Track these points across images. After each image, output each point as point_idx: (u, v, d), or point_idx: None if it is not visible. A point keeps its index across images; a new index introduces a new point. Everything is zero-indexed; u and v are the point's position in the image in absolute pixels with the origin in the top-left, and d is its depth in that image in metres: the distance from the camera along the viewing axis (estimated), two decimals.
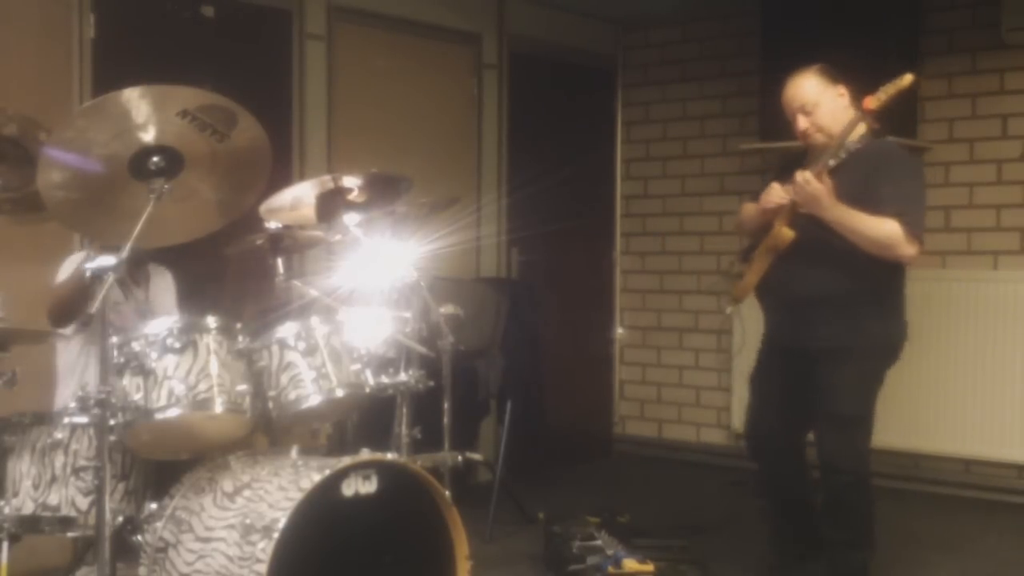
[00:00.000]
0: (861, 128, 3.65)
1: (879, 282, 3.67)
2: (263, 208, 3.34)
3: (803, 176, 3.55)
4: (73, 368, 3.49)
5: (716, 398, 6.35)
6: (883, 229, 3.53)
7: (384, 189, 3.40)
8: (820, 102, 3.66)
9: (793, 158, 3.93)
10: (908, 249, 3.56)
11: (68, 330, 3.34)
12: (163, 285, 3.71)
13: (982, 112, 5.48)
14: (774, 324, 3.89)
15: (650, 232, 6.60)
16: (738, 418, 6.09)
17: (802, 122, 3.69)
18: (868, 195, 3.55)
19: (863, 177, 3.59)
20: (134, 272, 3.52)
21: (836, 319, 3.64)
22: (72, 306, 3.10)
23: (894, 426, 5.55)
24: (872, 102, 3.54)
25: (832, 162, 3.59)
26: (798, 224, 3.63)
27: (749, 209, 3.88)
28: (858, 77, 3.69)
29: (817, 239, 3.58)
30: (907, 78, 3.53)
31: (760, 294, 3.83)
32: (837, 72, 3.71)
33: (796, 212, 3.63)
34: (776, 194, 3.69)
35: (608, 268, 6.70)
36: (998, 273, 5.43)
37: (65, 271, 3.44)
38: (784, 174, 3.74)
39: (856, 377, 3.68)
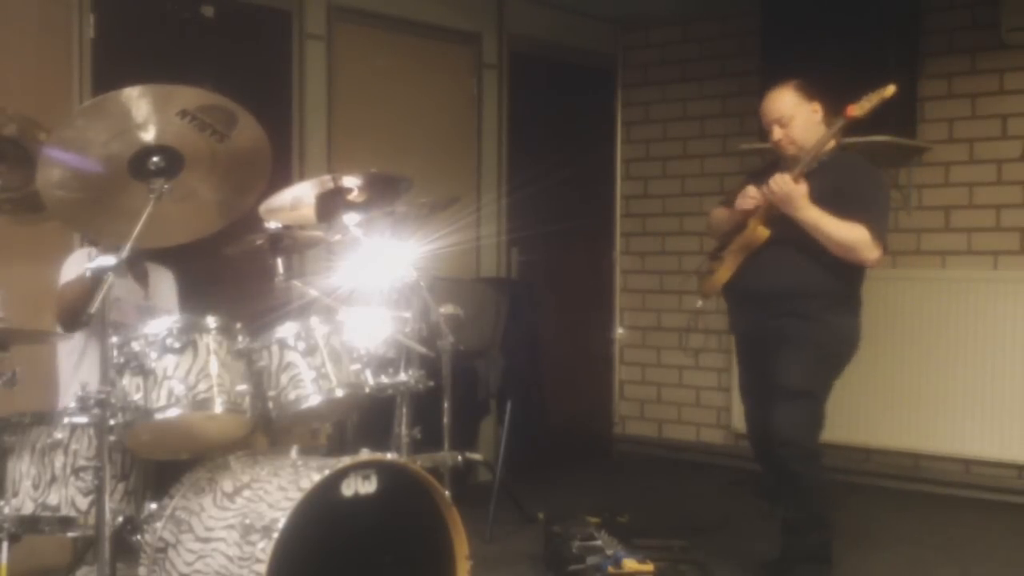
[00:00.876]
0: (831, 142, 3.88)
1: (841, 282, 3.86)
2: (263, 208, 3.33)
3: (781, 178, 3.78)
4: (77, 368, 3.48)
5: (716, 398, 6.35)
6: (851, 233, 3.76)
7: (384, 189, 3.40)
8: (795, 116, 3.88)
9: (766, 165, 4.15)
10: (872, 253, 3.78)
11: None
12: (164, 285, 3.71)
13: (982, 112, 5.48)
14: (738, 317, 4.09)
15: (650, 232, 6.60)
16: (738, 418, 6.09)
17: (777, 133, 3.91)
18: (837, 202, 3.76)
19: (832, 185, 3.80)
20: (132, 269, 3.51)
21: (798, 313, 3.83)
22: (82, 306, 3.08)
23: (894, 426, 5.57)
24: (855, 110, 3.77)
25: (807, 170, 3.81)
26: (772, 224, 3.84)
27: (720, 213, 4.12)
28: (858, 77, 3.84)
29: (789, 238, 3.79)
30: (890, 88, 3.75)
31: (728, 289, 4.00)
32: (813, 89, 3.92)
33: (771, 212, 3.84)
34: (751, 195, 3.90)
35: (608, 268, 6.70)
36: (998, 273, 5.43)
37: (69, 270, 3.42)
38: (757, 179, 3.96)
39: (809, 359, 3.83)
